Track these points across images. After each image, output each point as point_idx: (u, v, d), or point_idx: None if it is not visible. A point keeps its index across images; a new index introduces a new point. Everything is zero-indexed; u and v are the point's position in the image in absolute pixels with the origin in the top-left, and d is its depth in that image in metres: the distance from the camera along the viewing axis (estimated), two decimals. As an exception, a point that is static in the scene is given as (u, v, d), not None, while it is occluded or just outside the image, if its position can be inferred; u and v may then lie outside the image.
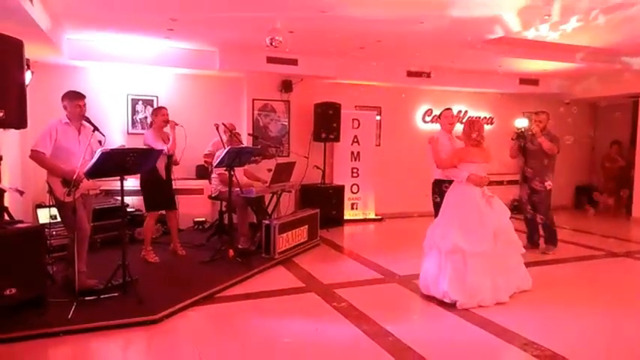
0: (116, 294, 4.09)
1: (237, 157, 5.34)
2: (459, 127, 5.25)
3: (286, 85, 8.02)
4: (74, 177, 3.91)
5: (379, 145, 8.93)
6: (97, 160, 3.74)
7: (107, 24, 5.84)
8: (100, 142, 4.27)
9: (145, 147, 5.05)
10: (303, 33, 6.04)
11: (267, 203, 6.50)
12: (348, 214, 8.35)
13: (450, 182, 4.63)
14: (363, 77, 8.36)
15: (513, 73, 9.01)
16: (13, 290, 3.56)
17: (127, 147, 4.59)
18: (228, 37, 6.50)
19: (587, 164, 10.83)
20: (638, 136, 9.01)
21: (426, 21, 5.41)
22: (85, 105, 4.30)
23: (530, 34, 5.68)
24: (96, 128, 4.17)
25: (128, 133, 7.32)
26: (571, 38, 5.88)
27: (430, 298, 4.30)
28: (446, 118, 5.32)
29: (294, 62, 7.51)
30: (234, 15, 5.32)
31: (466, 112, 9.58)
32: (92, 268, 4.42)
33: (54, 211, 4.34)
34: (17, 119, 3.86)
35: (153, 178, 5.24)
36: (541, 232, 6.35)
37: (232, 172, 5.36)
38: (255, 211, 6.34)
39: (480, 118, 9.51)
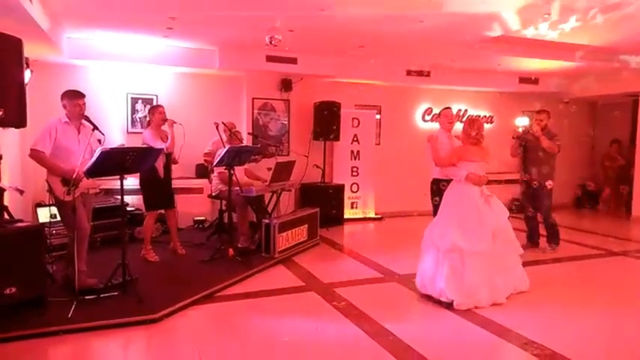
0: (116, 293, 4.08)
1: (236, 156, 5.33)
2: (458, 126, 5.25)
3: (286, 84, 8.01)
4: (74, 176, 3.91)
5: (379, 144, 8.93)
6: (97, 159, 3.73)
7: (107, 23, 5.83)
8: (99, 141, 4.26)
9: (144, 146, 5.06)
10: (302, 32, 6.03)
11: (267, 202, 6.50)
12: (347, 213, 8.34)
13: (448, 181, 4.63)
14: (362, 76, 8.36)
15: (513, 72, 9.01)
16: (13, 289, 3.56)
17: (126, 146, 4.58)
18: (227, 36, 6.50)
19: (587, 163, 10.82)
20: (637, 134, 9.01)
21: (426, 20, 5.41)
22: (84, 104, 4.30)
23: (529, 33, 5.68)
24: (95, 127, 4.17)
25: (128, 132, 7.31)
26: (570, 37, 5.88)
27: (429, 297, 4.30)
28: (445, 117, 5.31)
29: (293, 61, 7.51)
30: (234, 14, 5.32)
31: (466, 110, 9.58)
32: (92, 267, 4.42)
33: (54, 210, 4.33)
34: (17, 118, 3.86)
35: (152, 177, 5.24)
36: (542, 231, 6.35)
37: (232, 171, 5.36)
38: (255, 210, 6.34)
39: (479, 116, 9.50)
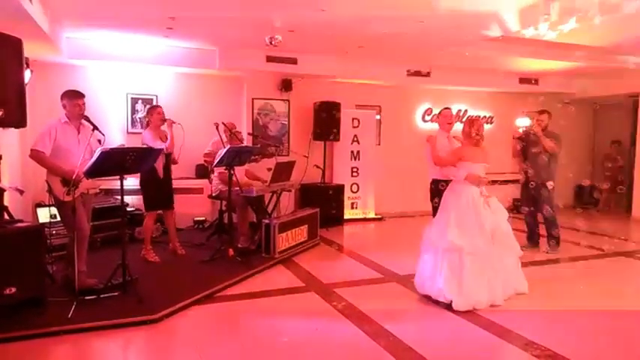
0: (116, 293, 4.08)
1: (236, 156, 5.33)
2: (458, 127, 5.24)
3: (286, 84, 8.01)
4: (74, 176, 3.91)
5: (379, 144, 8.93)
6: (97, 159, 3.73)
7: (106, 23, 5.83)
8: (99, 141, 4.26)
9: (144, 146, 5.05)
10: (302, 32, 6.03)
11: (267, 202, 6.50)
12: (348, 214, 8.34)
13: (447, 182, 4.62)
14: (362, 76, 8.35)
15: (513, 72, 9.01)
16: (13, 289, 3.56)
17: (126, 146, 4.58)
18: (227, 36, 6.49)
19: (587, 164, 10.81)
20: (638, 135, 9.01)
21: (426, 20, 5.41)
22: (84, 104, 4.29)
23: (529, 33, 5.68)
24: (95, 127, 4.17)
25: (128, 133, 7.31)
26: (569, 37, 5.88)
27: (428, 298, 4.29)
28: (445, 118, 5.29)
29: (293, 61, 7.50)
30: (234, 14, 5.32)
31: (466, 111, 9.58)
32: (92, 268, 4.42)
33: (54, 210, 4.33)
34: (17, 118, 3.86)
35: (152, 177, 5.23)
36: (542, 231, 6.34)
37: (232, 172, 5.35)
38: (255, 210, 6.34)
39: (479, 117, 9.50)
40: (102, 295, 4.03)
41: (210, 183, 6.45)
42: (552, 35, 5.50)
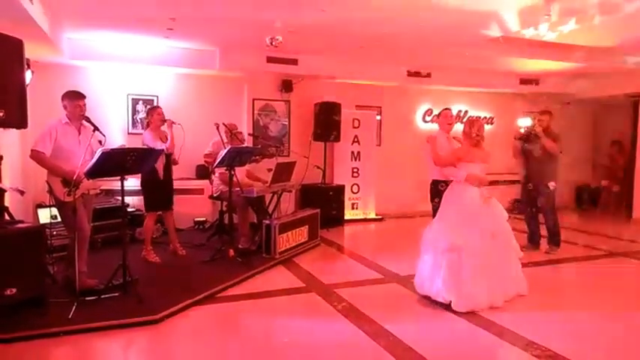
0: (117, 294, 4.09)
1: (237, 156, 5.34)
2: (458, 127, 5.24)
3: (286, 85, 8.02)
4: (74, 177, 3.91)
5: (379, 144, 8.93)
6: (98, 159, 3.74)
7: (107, 23, 5.83)
8: (100, 141, 4.26)
9: (144, 147, 5.06)
10: (303, 32, 6.03)
11: (267, 203, 6.50)
12: (348, 214, 8.35)
13: (447, 182, 4.61)
14: (363, 77, 8.36)
15: (514, 72, 9.00)
16: (14, 290, 3.56)
17: (127, 147, 4.58)
18: (228, 37, 6.50)
19: (588, 164, 10.81)
20: (638, 135, 9.00)
21: (426, 20, 5.41)
22: (85, 105, 4.30)
23: (528, 33, 5.69)
24: (96, 128, 4.17)
25: (128, 133, 7.31)
26: (568, 38, 5.88)
27: (428, 298, 4.29)
28: (445, 118, 5.28)
29: (294, 62, 7.51)
30: (234, 15, 5.32)
31: (466, 111, 9.58)
32: (93, 268, 4.42)
33: (54, 211, 4.33)
34: (17, 119, 3.86)
35: (153, 178, 5.24)
36: (542, 232, 6.34)
37: (233, 172, 5.36)
38: (255, 211, 6.34)
39: (479, 117, 9.50)
40: (102, 296, 4.03)
41: (211, 183, 6.45)
42: (552, 36, 5.50)
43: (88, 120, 4.22)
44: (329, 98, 7.97)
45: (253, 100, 7.92)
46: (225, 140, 5.95)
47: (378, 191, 8.65)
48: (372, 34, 6.11)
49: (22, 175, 5.81)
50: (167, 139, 5.37)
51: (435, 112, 9.14)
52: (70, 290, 4.05)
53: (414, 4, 4.86)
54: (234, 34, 6.30)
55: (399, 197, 8.80)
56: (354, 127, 8.45)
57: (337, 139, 8.06)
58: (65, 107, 4.25)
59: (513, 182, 9.40)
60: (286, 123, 8.21)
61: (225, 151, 5.16)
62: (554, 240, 6.19)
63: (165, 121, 5.40)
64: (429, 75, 8.68)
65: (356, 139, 8.49)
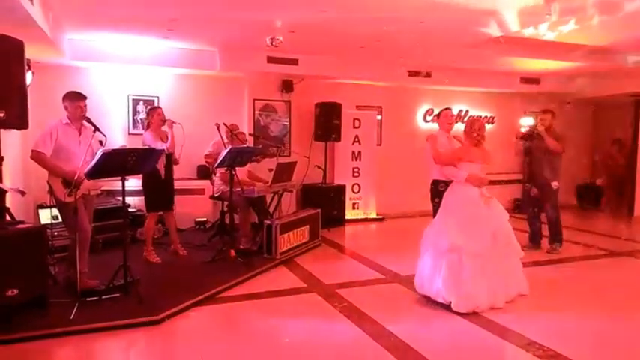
0: (118, 294, 4.09)
1: (238, 156, 5.34)
2: (458, 127, 5.23)
3: (287, 85, 8.02)
4: (75, 178, 3.91)
5: (380, 144, 8.92)
6: (98, 160, 3.74)
7: (108, 24, 5.84)
8: (100, 142, 4.27)
9: (145, 147, 5.06)
10: (303, 33, 6.03)
11: (268, 203, 6.50)
12: (349, 214, 8.34)
13: (446, 182, 4.61)
14: (363, 77, 8.35)
15: (514, 72, 8.99)
16: (15, 291, 3.56)
17: (128, 147, 4.59)
18: (228, 37, 6.50)
19: (589, 163, 10.80)
20: (639, 134, 8.99)
21: (426, 20, 5.41)
22: (85, 106, 4.30)
23: (528, 32, 5.69)
24: (97, 129, 4.17)
25: (129, 134, 7.32)
26: (568, 37, 5.88)
27: (429, 298, 4.28)
28: (445, 118, 5.25)
29: (294, 62, 7.50)
30: (235, 15, 5.32)
31: (467, 111, 9.57)
32: (94, 269, 4.43)
33: (55, 211, 4.33)
34: (18, 120, 3.86)
35: (154, 178, 5.24)
36: (544, 232, 6.33)
37: (234, 172, 5.36)
38: (256, 211, 6.34)
39: (480, 117, 9.49)
40: (104, 296, 4.04)
41: (212, 184, 6.46)
42: (551, 36, 5.50)
43: (89, 121, 4.22)
44: (329, 98, 7.97)
45: (254, 100, 7.92)
46: (226, 140, 5.95)
47: (378, 191, 8.65)
48: (372, 34, 6.11)
49: (23, 176, 5.82)
50: (168, 139, 5.38)
51: (436, 111, 9.13)
52: (72, 291, 4.05)
53: (415, 4, 4.86)
54: (234, 35, 6.30)
55: (400, 197, 8.78)
56: (355, 127, 8.45)
57: (338, 139, 8.06)
58: (66, 108, 4.26)
59: (513, 182, 9.44)
60: (287, 123, 8.21)
61: (226, 151, 5.16)
62: (557, 239, 6.18)
63: (165, 121, 5.40)
64: (429, 75, 8.67)
65: (357, 139, 8.48)
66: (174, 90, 7.64)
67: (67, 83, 6.16)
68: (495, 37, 6.05)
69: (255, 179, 6.43)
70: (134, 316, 3.74)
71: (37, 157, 4.04)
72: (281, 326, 3.82)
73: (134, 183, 5.63)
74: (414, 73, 8.58)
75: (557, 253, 6.09)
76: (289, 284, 4.88)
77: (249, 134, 7.49)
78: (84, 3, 4.97)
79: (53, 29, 5.29)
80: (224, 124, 6.03)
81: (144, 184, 5.39)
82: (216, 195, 6.29)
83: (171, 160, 5.46)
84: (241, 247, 5.77)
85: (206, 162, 6.68)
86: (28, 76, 4.55)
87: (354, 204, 8.52)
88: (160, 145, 5.11)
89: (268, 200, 6.51)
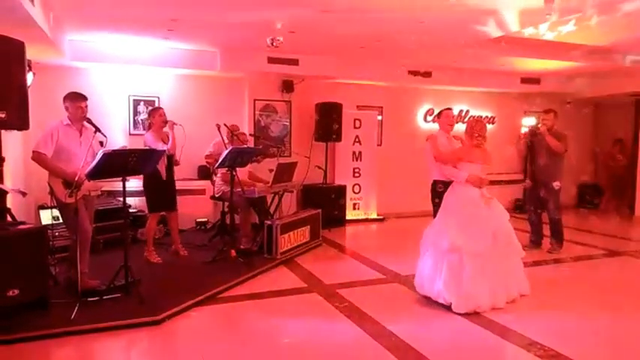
0: (118, 295, 4.10)
1: (238, 156, 5.34)
2: (458, 127, 5.22)
3: (287, 86, 8.02)
4: (76, 178, 3.91)
5: (381, 144, 8.92)
6: (99, 160, 3.74)
7: (108, 25, 5.84)
8: (101, 143, 4.27)
9: (146, 147, 5.06)
10: (303, 33, 6.03)
11: (269, 203, 6.50)
12: (350, 214, 8.34)
13: (444, 183, 4.60)
14: (364, 77, 8.36)
15: (515, 72, 8.99)
16: (16, 291, 3.57)
17: (128, 148, 4.59)
18: (228, 38, 6.50)
19: (590, 163, 10.79)
20: (639, 134, 8.98)
21: (426, 20, 5.41)
22: (86, 106, 4.30)
23: (527, 32, 5.69)
24: (97, 129, 4.17)
25: (130, 134, 7.32)
26: (569, 36, 5.88)
27: (429, 298, 4.28)
28: (447, 118, 5.22)
29: (295, 62, 7.51)
30: (235, 15, 5.32)
31: (467, 111, 9.57)
32: (94, 269, 4.43)
33: (56, 212, 4.34)
34: (19, 120, 3.86)
35: (155, 179, 5.24)
36: (545, 231, 6.33)
37: (234, 173, 5.36)
38: (257, 211, 6.34)
39: (481, 117, 9.49)
40: (104, 297, 4.04)
41: (213, 184, 6.46)
42: (551, 35, 5.50)
43: (90, 121, 4.23)
44: (330, 98, 7.97)
45: (254, 100, 7.92)
46: (226, 141, 5.96)
47: (379, 191, 8.64)
48: (372, 34, 6.11)
49: (24, 177, 5.82)
50: (169, 140, 5.37)
51: (436, 112, 9.12)
52: (72, 291, 4.05)
53: (415, 4, 4.86)
54: (234, 35, 6.31)
55: (401, 197, 8.78)
56: (355, 128, 8.44)
57: (338, 139, 8.06)
58: (67, 109, 4.26)
59: (514, 182, 9.43)
60: (287, 123, 8.21)
61: (227, 151, 5.16)
62: (558, 239, 6.18)
63: (166, 122, 5.40)
64: (429, 75, 8.67)
65: (357, 140, 8.48)
66: (174, 90, 7.64)
67: (67, 84, 6.17)
68: (496, 38, 6.05)
69: (255, 179, 6.44)
70: (135, 317, 3.75)
71: (37, 157, 4.05)
72: (282, 326, 3.82)
73: (135, 183, 5.63)
74: (414, 73, 8.58)
75: (557, 253, 6.08)
76: (290, 284, 4.88)
77: (250, 134, 7.49)
78: (84, 3, 4.98)
79: (53, 29, 5.30)
80: (225, 124, 6.03)
81: (145, 185, 5.40)
82: (216, 195, 6.29)
83: (172, 161, 5.46)
84: (242, 247, 5.77)
85: (207, 162, 6.69)
86: (29, 77, 4.55)
87: (354, 204, 8.52)
88: (160, 146, 5.11)
89: (269, 200, 6.51)
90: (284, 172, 6.14)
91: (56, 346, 3.43)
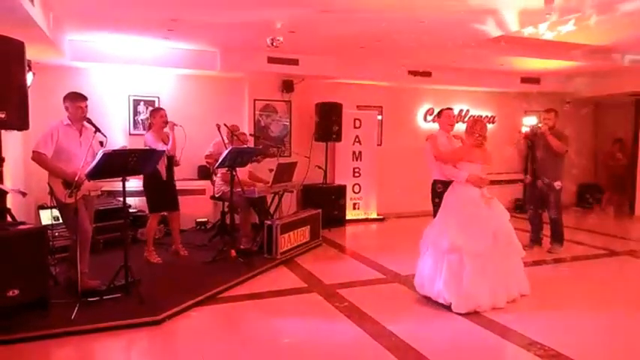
0: (119, 295, 4.10)
1: (238, 156, 5.34)
2: (458, 127, 5.21)
3: (287, 85, 8.02)
4: (76, 179, 3.91)
5: (381, 144, 8.92)
6: (99, 160, 3.74)
7: (108, 25, 5.84)
8: (101, 143, 4.27)
9: (146, 148, 5.06)
10: (303, 33, 6.03)
11: (269, 203, 6.50)
12: (350, 214, 8.34)
13: (444, 183, 4.60)
14: (364, 77, 8.35)
15: (514, 71, 8.99)
16: (16, 291, 3.57)
17: (128, 148, 4.59)
18: (228, 38, 6.50)
19: (590, 163, 10.78)
20: (639, 134, 8.98)
21: (426, 20, 5.41)
22: (86, 106, 4.30)
23: (527, 31, 5.69)
24: (97, 129, 4.17)
25: (130, 134, 7.32)
26: (569, 36, 5.88)
27: (429, 298, 4.28)
28: (447, 118, 5.21)
29: (295, 62, 7.51)
30: (235, 15, 5.32)
31: (467, 111, 9.57)
32: (95, 269, 4.43)
33: (56, 212, 4.34)
34: (19, 121, 3.86)
35: (155, 179, 5.24)
36: (545, 231, 6.33)
37: (234, 173, 5.36)
38: (257, 211, 6.34)
39: (482, 117, 9.49)
40: (104, 297, 4.04)
41: (213, 184, 6.46)
42: (550, 35, 5.50)
43: (90, 121, 4.23)
44: (330, 98, 7.97)
45: (254, 100, 7.92)
46: (226, 141, 5.95)
47: (379, 191, 8.64)
48: (372, 34, 6.10)
49: (24, 177, 5.82)
50: (169, 140, 5.37)
51: (436, 111, 9.12)
52: (72, 291, 4.05)
53: (415, 4, 4.86)
54: (234, 35, 6.30)
55: (401, 197, 8.77)
56: (355, 127, 8.44)
57: (338, 139, 8.05)
58: (67, 109, 4.26)
59: (514, 182, 9.43)
60: (287, 123, 8.21)
61: (227, 151, 5.17)
62: (558, 239, 6.18)
63: (167, 123, 5.40)
64: (429, 74, 8.66)
65: (357, 139, 8.48)
66: (174, 90, 7.64)
67: (67, 84, 6.17)
68: (495, 37, 6.05)
69: (255, 179, 6.44)
70: (135, 317, 3.75)
71: (37, 158, 4.05)
72: (282, 326, 3.82)
73: (135, 183, 5.63)
74: (414, 73, 8.57)
75: (557, 253, 6.08)
76: (290, 284, 4.88)
77: (250, 134, 7.49)
78: (84, 3, 4.97)
79: (53, 30, 5.30)
80: (225, 124, 6.03)
81: (145, 185, 5.40)
82: (216, 195, 6.30)
83: (172, 161, 5.46)
84: (242, 247, 5.77)
85: (207, 162, 6.69)
86: (29, 77, 4.55)
87: (354, 204, 8.51)
88: (160, 147, 5.11)
89: (269, 200, 6.51)
90: (284, 172, 6.14)
91: (56, 347, 3.43)
